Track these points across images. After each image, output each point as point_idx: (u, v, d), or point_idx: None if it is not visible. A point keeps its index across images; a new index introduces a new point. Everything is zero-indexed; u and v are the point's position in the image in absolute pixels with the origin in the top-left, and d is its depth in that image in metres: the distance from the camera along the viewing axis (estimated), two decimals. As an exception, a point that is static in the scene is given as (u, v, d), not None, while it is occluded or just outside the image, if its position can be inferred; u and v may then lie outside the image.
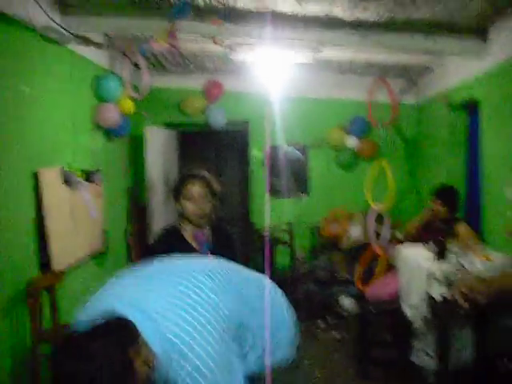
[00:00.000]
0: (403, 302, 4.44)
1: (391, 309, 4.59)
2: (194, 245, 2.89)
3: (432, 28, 4.75)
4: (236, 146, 8.89)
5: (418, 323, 4.21)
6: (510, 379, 3.10)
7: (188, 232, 2.93)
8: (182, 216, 2.96)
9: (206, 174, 2.97)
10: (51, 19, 4.16)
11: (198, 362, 1.54)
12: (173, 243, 2.85)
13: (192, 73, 6.96)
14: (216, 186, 2.91)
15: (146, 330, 1.53)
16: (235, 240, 3.01)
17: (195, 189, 2.85)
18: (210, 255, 2.79)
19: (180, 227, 2.97)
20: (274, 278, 2.39)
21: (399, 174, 7.04)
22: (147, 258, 2.41)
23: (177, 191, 2.95)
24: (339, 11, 4.45)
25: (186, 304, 1.62)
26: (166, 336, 1.55)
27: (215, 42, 4.96)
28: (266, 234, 6.97)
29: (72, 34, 4.59)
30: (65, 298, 4.48)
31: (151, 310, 1.58)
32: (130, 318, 1.53)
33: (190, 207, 2.86)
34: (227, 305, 1.71)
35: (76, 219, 4.82)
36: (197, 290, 1.67)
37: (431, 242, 4.34)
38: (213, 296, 1.68)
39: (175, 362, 1.55)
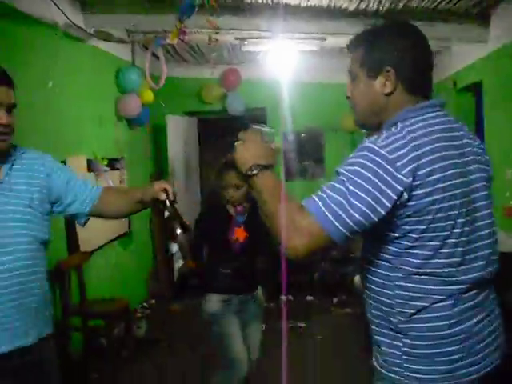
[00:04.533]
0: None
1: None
2: (233, 215, 3.27)
3: (433, 15, 4.96)
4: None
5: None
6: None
7: (230, 205, 3.29)
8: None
9: None
10: (70, 20, 4.49)
11: None
12: (216, 213, 3.32)
13: (209, 62, 7.23)
14: None
15: None
16: None
17: (228, 178, 3.15)
18: (241, 225, 3.22)
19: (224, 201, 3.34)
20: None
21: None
22: (198, 224, 3.27)
23: (217, 178, 3.28)
24: (341, 2, 4.71)
25: None
26: None
27: (210, 41, 5.25)
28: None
29: (91, 32, 4.93)
30: (91, 276, 4.86)
31: None
32: None
33: (226, 194, 3.20)
34: None
35: (101, 204, 5.18)
36: None
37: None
38: None
39: None
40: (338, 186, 1.47)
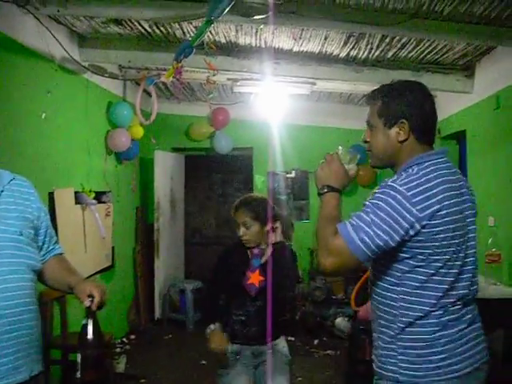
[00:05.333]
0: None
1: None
2: (250, 257, 3.11)
3: (420, 66, 5.12)
4: (240, 170, 9.26)
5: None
6: None
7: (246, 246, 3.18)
8: None
9: (254, 200, 3.14)
10: (68, 53, 4.57)
11: None
12: (235, 253, 3.16)
13: (199, 101, 7.33)
14: (264, 209, 3.10)
15: None
16: (290, 260, 3.15)
17: (239, 217, 3.07)
18: (257, 270, 3.04)
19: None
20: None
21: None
22: (218, 263, 3.21)
23: (233, 216, 3.19)
24: (333, 48, 4.84)
25: None
26: None
27: (208, 82, 5.37)
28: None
29: (85, 65, 5.01)
30: (74, 308, 4.82)
31: None
32: None
33: (238, 232, 3.10)
34: None
35: (86, 236, 5.18)
36: None
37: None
38: None
39: None
40: (364, 216, 1.82)
